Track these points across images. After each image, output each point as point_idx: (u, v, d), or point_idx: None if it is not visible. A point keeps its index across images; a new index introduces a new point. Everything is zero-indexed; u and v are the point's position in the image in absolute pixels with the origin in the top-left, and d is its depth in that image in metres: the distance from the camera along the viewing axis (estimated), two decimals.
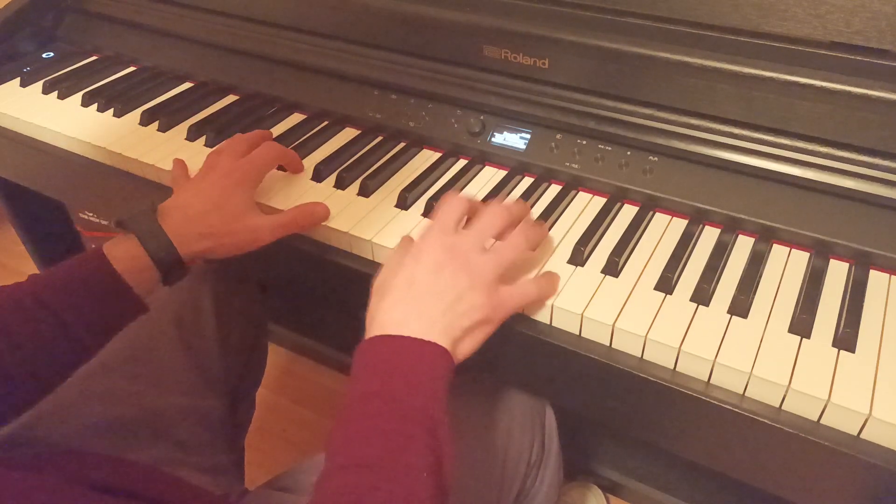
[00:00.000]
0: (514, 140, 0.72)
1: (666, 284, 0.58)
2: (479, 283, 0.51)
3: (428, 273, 0.51)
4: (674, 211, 0.66)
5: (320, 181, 0.72)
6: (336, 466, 0.43)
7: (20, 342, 0.51)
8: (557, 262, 0.61)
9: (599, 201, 0.68)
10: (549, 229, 0.65)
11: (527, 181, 0.71)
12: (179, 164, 0.72)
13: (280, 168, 0.73)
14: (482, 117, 0.73)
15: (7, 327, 0.51)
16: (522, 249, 0.56)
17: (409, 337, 0.48)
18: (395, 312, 0.49)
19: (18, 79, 0.92)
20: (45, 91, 0.90)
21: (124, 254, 0.56)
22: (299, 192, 0.70)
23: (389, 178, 0.72)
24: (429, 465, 0.43)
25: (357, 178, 0.71)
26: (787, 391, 0.49)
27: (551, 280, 0.58)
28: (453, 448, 0.45)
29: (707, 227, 0.64)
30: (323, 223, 0.66)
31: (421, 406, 0.45)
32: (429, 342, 0.48)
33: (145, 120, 0.83)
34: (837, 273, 0.58)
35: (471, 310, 0.50)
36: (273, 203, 0.69)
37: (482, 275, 0.52)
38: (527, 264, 0.60)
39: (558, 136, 0.70)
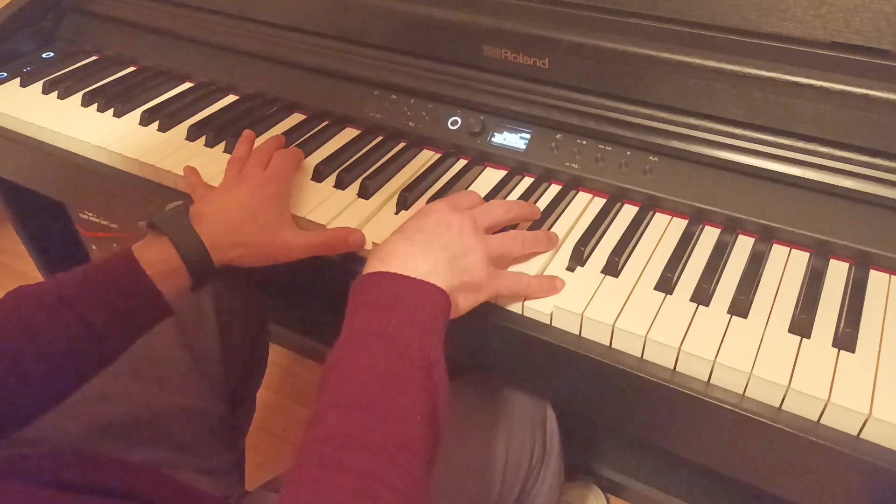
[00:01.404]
0: (514, 140, 0.72)
1: (666, 284, 0.58)
2: (480, 249, 0.52)
3: (436, 225, 0.52)
4: (674, 211, 0.66)
5: (320, 181, 0.72)
6: (330, 405, 0.42)
7: (43, 343, 0.50)
8: (557, 262, 0.61)
9: (599, 201, 0.68)
10: (549, 229, 0.65)
11: (527, 181, 0.71)
12: (193, 172, 0.71)
13: None
14: (482, 117, 0.73)
15: (31, 328, 0.49)
16: (524, 247, 0.57)
17: (409, 277, 0.48)
18: (400, 248, 0.50)
19: (18, 79, 0.92)
20: (45, 91, 0.90)
21: (156, 257, 0.55)
22: (299, 192, 0.70)
23: (389, 178, 0.72)
24: (424, 407, 0.42)
25: (357, 179, 0.71)
26: (787, 391, 0.49)
27: (551, 282, 0.58)
28: (448, 389, 0.45)
29: (707, 227, 0.64)
30: (323, 223, 0.66)
31: (419, 346, 0.45)
32: (431, 284, 0.48)
33: (145, 120, 0.83)
34: (837, 273, 0.58)
35: (471, 267, 0.51)
36: None
37: (484, 244, 0.53)
38: (528, 262, 0.60)
39: (558, 136, 0.70)
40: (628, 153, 0.67)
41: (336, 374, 0.44)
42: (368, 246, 0.64)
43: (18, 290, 0.52)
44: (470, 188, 0.71)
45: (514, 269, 0.59)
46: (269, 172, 0.64)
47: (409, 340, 0.45)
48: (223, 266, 0.59)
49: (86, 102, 0.87)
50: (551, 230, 0.65)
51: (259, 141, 0.78)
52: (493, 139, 0.73)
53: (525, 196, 0.68)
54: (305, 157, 0.75)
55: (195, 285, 0.58)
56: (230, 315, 0.77)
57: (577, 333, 0.56)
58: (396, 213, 0.68)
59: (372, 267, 0.49)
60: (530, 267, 0.59)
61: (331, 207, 0.68)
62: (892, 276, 0.58)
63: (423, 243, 0.50)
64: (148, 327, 0.56)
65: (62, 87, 0.89)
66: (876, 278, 0.58)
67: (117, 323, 0.53)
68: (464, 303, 0.52)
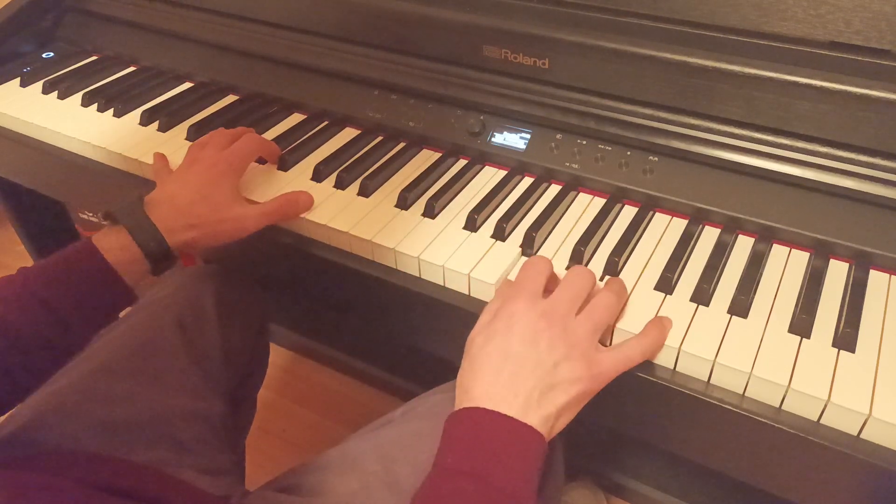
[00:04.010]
0: (514, 140, 0.72)
1: (666, 284, 0.58)
2: (576, 352, 0.48)
3: (523, 343, 0.48)
4: (674, 211, 0.66)
5: (320, 181, 0.72)
6: None
7: (15, 334, 0.51)
8: (557, 263, 0.61)
9: (599, 201, 0.68)
10: (551, 230, 0.65)
11: (527, 181, 0.71)
12: (160, 157, 0.73)
13: (259, 161, 0.74)
14: (482, 117, 0.73)
15: (2, 321, 0.51)
16: (615, 309, 0.52)
17: (504, 416, 0.45)
18: (490, 388, 0.47)
19: (18, 79, 0.92)
20: (45, 91, 0.90)
21: (114, 245, 0.57)
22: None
23: (389, 178, 0.72)
24: None
25: (357, 178, 0.71)
26: (786, 391, 0.49)
27: (659, 330, 0.53)
28: None
29: (707, 227, 0.64)
30: (323, 223, 0.66)
31: (511, 492, 0.43)
32: (524, 424, 0.45)
33: (145, 120, 0.83)
34: (837, 273, 0.58)
35: (568, 385, 0.48)
36: None
37: (579, 342, 0.49)
38: None
39: (558, 136, 0.70)
40: (628, 153, 0.67)
41: None
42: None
43: None
44: (470, 188, 0.71)
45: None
46: (225, 152, 0.66)
47: (503, 485, 0.43)
48: (180, 249, 0.60)
49: (86, 102, 0.87)
50: (552, 232, 0.65)
51: None
52: (493, 139, 0.73)
53: (525, 196, 0.67)
54: (305, 156, 0.76)
55: (154, 270, 0.60)
56: (231, 315, 0.77)
57: None
58: (396, 213, 0.68)
59: (462, 403, 0.48)
60: None
61: (331, 207, 0.68)
62: (892, 276, 0.58)
63: (510, 377, 0.47)
64: (113, 313, 0.58)
65: (62, 87, 0.89)
66: (876, 278, 0.58)
67: (82, 310, 0.55)
68: (564, 422, 0.49)
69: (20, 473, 0.44)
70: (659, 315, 0.55)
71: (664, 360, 0.53)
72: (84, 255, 0.56)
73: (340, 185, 0.71)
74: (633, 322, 0.54)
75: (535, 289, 0.51)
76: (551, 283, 0.53)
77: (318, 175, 0.72)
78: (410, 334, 0.68)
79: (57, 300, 0.53)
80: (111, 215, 0.58)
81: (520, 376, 0.47)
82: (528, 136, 0.72)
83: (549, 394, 0.47)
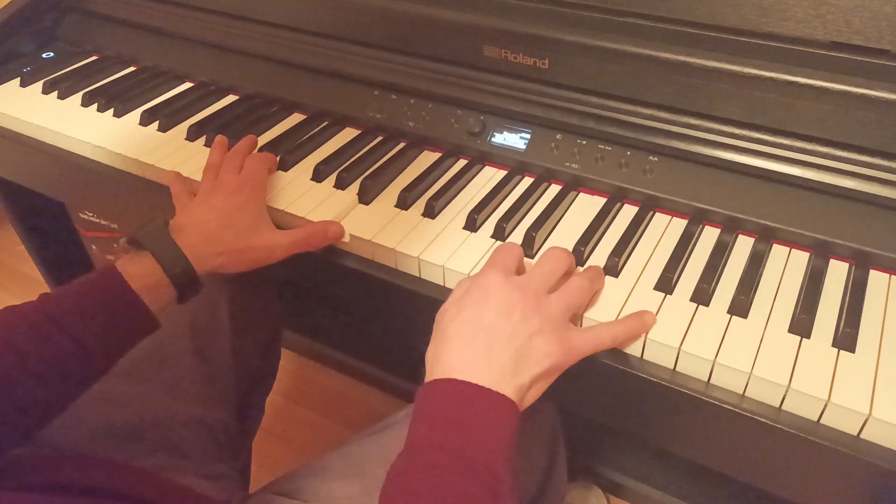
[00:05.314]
0: (514, 140, 0.72)
1: (666, 284, 0.58)
2: (549, 326, 0.48)
3: (496, 315, 0.48)
4: (674, 211, 0.66)
5: (320, 181, 0.72)
6: None
7: (35, 364, 0.49)
8: None
9: (599, 201, 0.68)
10: (551, 230, 0.65)
11: (527, 181, 0.71)
12: (178, 179, 0.71)
13: None
14: (482, 117, 0.73)
15: (22, 350, 0.49)
16: (588, 292, 0.53)
17: (477, 385, 0.45)
18: (463, 358, 0.47)
19: (18, 79, 0.92)
20: (45, 91, 0.90)
21: (140, 271, 0.55)
22: (299, 191, 0.70)
23: (389, 178, 0.72)
24: None
25: (357, 178, 0.71)
26: (786, 391, 0.49)
27: (634, 323, 0.53)
28: None
29: (707, 227, 0.64)
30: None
31: (486, 463, 0.43)
32: (498, 394, 0.45)
33: (145, 120, 0.83)
34: (837, 273, 0.58)
35: (541, 357, 0.48)
36: (274, 204, 0.69)
37: (552, 317, 0.49)
38: None
39: (558, 136, 0.70)
40: (628, 153, 0.67)
41: (400, 483, 0.43)
42: (346, 238, 0.64)
43: (5, 311, 0.52)
44: (470, 188, 0.71)
45: None
46: (242, 177, 0.65)
47: (477, 457, 0.43)
48: (206, 275, 0.60)
49: (86, 102, 0.87)
50: (552, 232, 0.65)
51: (258, 141, 0.78)
52: (493, 139, 0.73)
53: (525, 196, 0.68)
54: (305, 156, 0.76)
55: (180, 298, 0.58)
56: (245, 322, 0.76)
57: None
58: (396, 213, 0.68)
59: (432, 374, 0.47)
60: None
61: (331, 208, 0.68)
62: (892, 276, 0.58)
63: (484, 347, 0.47)
64: (135, 341, 0.56)
65: (62, 87, 0.89)
66: (876, 278, 0.58)
67: (104, 338, 0.53)
68: (535, 394, 0.49)
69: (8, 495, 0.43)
70: (652, 312, 0.55)
71: (664, 359, 0.53)
72: (109, 282, 0.54)
73: (340, 185, 0.71)
74: None
75: (508, 265, 0.52)
76: (521, 271, 0.54)
77: (318, 175, 0.72)
78: (410, 334, 0.68)
79: (79, 328, 0.51)
80: (136, 241, 0.56)
81: (494, 346, 0.47)
82: (528, 136, 0.72)
83: (522, 364, 0.47)
